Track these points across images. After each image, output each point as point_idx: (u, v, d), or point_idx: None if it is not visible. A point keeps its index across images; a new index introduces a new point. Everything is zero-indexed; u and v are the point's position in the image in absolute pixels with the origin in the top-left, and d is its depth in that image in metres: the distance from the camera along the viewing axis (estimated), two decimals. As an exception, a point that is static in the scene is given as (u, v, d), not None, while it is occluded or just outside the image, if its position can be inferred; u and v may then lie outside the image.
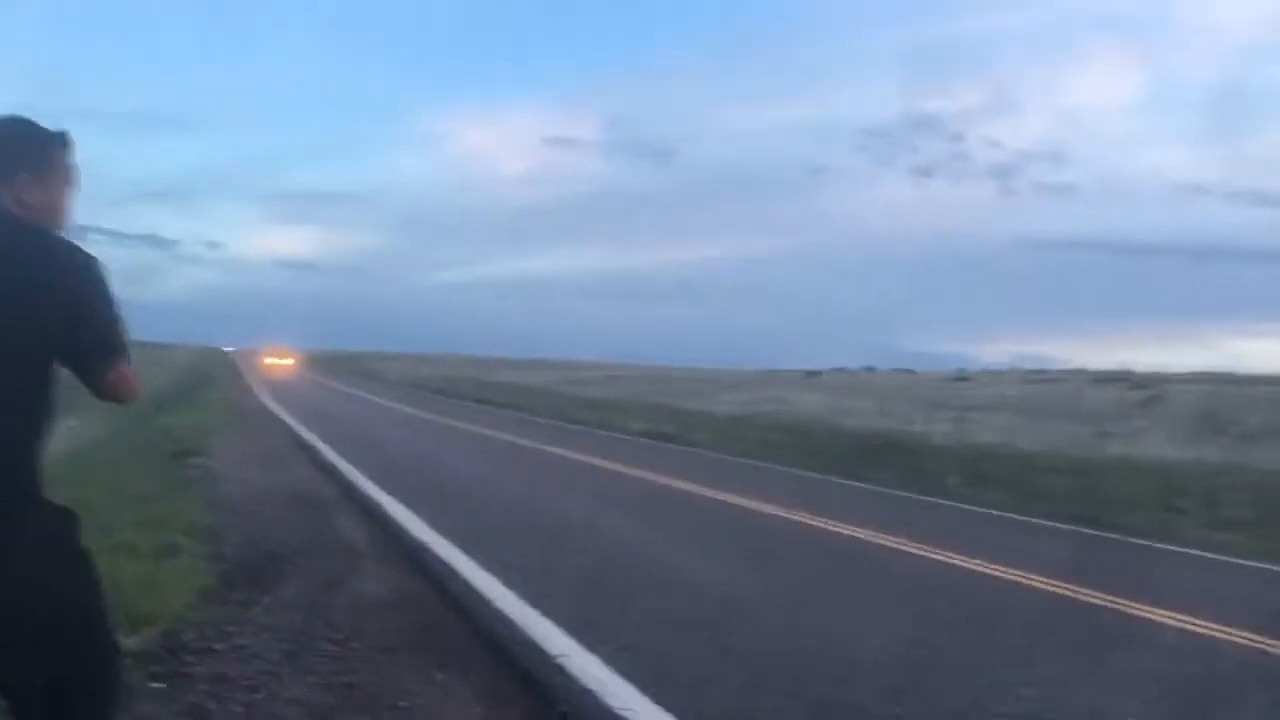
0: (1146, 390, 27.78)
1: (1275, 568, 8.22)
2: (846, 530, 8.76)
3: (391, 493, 9.37)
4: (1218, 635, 5.58)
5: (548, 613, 5.14)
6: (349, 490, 9.78)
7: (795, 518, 9.38)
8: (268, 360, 66.23)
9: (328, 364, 69.59)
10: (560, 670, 4.27)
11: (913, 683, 4.40)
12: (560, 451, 15.50)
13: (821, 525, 9.02)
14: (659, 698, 3.95)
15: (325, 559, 6.32)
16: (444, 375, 50.30)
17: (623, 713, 3.79)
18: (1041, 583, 6.80)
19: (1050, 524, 10.10)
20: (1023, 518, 10.41)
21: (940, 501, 11.56)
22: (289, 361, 66.50)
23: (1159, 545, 9.05)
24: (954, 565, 7.41)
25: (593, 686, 4.06)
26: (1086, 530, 9.73)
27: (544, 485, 11.77)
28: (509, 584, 5.77)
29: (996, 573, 7.12)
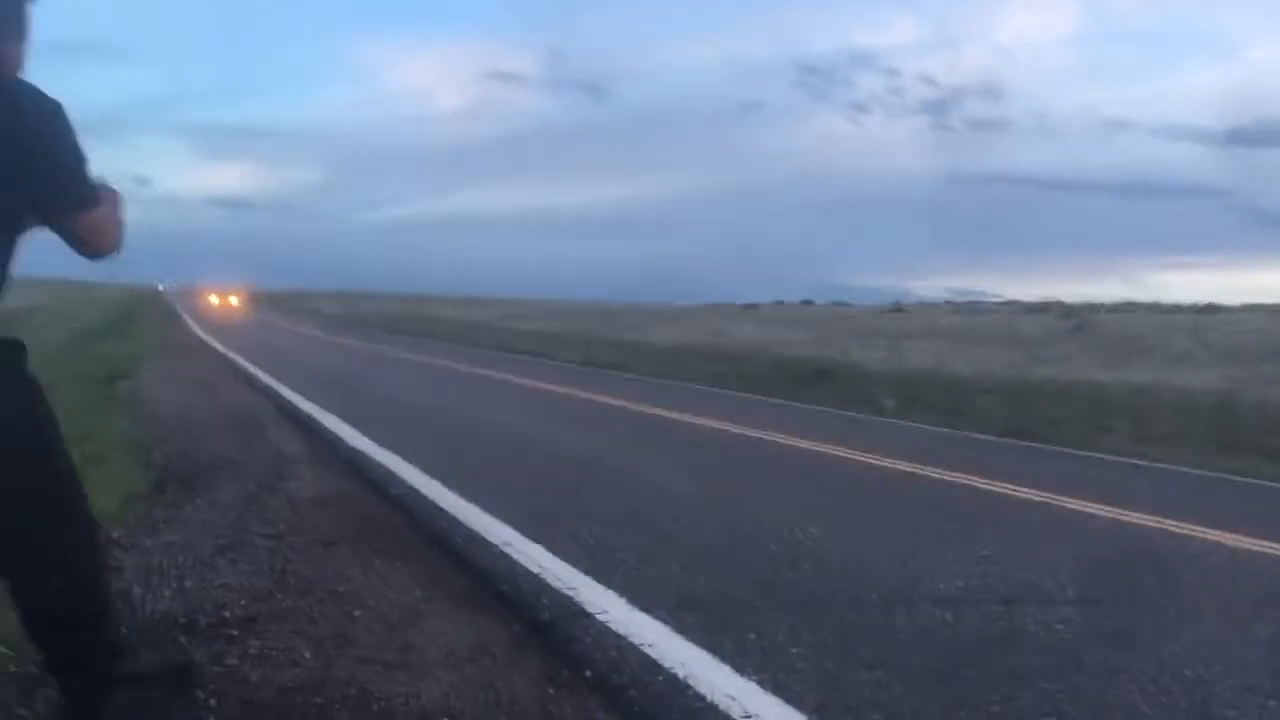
0: (1075, 318, 28.43)
1: (1193, 471, 8.55)
2: (784, 440, 8.88)
3: (331, 410, 9.23)
4: (1150, 525, 5.78)
5: (487, 508, 5.13)
6: (286, 409, 9.61)
7: (733, 429, 9.47)
8: (213, 299, 64.20)
9: (267, 302, 68.03)
10: (504, 557, 4.26)
11: (849, 565, 4.47)
12: (502, 376, 15.41)
13: (760, 436, 9.11)
14: (602, 579, 3.96)
15: (260, 466, 6.21)
16: (385, 312, 49.68)
17: (566, 592, 3.80)
18: (976, 482, 6.96)
19: (982, 437, 10.32)
20: (955, 431, 10.62)
21: (873, 418, 11.76)
22: (236, 301, 64.45)
23: (1086, 454, 9.31)
24: (886, 468, 7.55)
25: (534, 570, 4.07)
26: (1018, 442, 9.96)
27: (488, 405, 11.69)
28: (450, 486, 5.74)
29: (931, 474, 7.27)
